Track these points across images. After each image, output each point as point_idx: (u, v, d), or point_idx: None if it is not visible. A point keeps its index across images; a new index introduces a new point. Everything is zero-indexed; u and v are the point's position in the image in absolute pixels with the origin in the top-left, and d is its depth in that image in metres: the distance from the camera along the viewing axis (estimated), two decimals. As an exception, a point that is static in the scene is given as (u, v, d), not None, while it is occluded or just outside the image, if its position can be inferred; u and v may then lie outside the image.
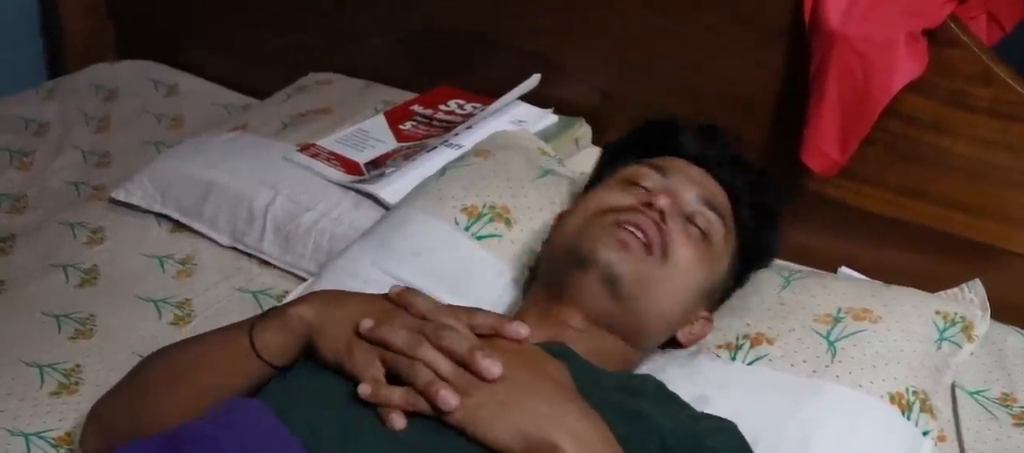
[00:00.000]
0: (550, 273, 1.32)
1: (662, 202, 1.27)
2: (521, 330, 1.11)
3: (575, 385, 1.08)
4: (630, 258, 1.24)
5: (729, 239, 1.35)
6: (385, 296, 1.16)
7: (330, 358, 1.10)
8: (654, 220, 1.26)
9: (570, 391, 1.06)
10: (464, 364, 1.03)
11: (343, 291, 1.25)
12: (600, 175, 1.48)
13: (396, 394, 1.03)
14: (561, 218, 1.42)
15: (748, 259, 1.42)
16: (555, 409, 1.01)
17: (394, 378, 1.05)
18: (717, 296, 1.39)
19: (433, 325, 1.08)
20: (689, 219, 1.31)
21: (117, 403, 1.21)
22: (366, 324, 1.09)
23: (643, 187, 1.33)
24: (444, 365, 1.04)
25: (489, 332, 1.10)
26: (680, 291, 1.29)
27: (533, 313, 1.29)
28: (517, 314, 1.33)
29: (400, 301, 1.14)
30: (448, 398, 1.00)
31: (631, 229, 1.25)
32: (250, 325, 1.16)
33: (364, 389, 1.04)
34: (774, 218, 1.45)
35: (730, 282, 1.40)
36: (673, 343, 1.37)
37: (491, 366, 1.02)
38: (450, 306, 1.16)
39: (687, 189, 1.33)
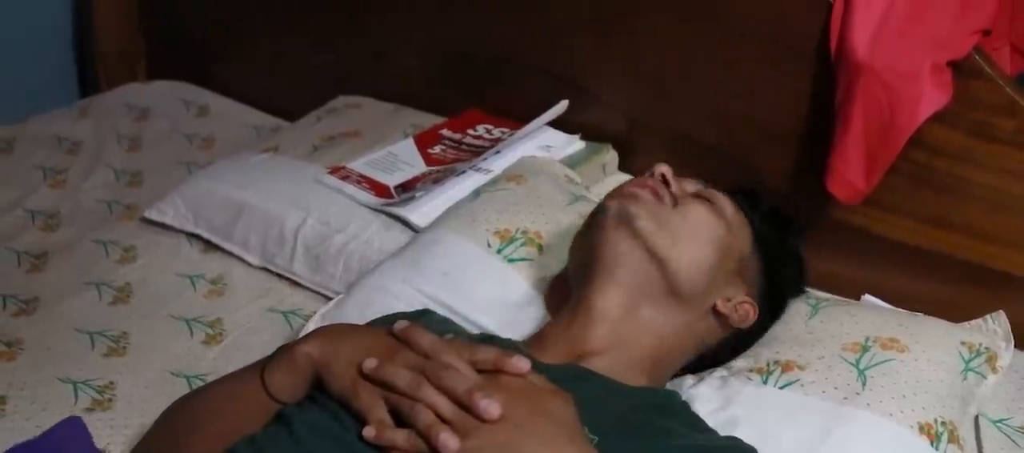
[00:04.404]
0: (576, 256, 1.39)
1: (662, 168, 1.36)
2: (523, 365, 1.10)
3: (582, 419, 1.07)
4: (641, 202, 1.32)
5: (741, 224, 1.37)
6: (389, 331, 1.17)
7: (337, 396, 1.11)
8: (658, 181, 1.36)
9: (571, 431, 1.05)
10: (463, 405, 1.04)
11: (347, 326, 1.27)
12: None
13: (400, 436, 1.04)
14: None
15: (773, 280, 1.41)
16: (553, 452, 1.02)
17: (400, 416, 1.06)
18: (753, 284, 1.37)
19: (434, 364, 1.08)
20: (693, 197, 1.37)
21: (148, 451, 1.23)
22: (369, 364, 1.09)
23: None
24: (445, 406, 1.04)
25: (491, 368, 1.10)
26: (699, 237, 1.32)
27: (556, 329, 1.31)
28: (540, 331, 1.35)
29: (403, 338, 1.15)
30: (448, 442, 1.00)
31: (637, 189, 1.34)
32: (261, 366, 1.19)
33: (368, 431, 1.05)
34: (788, 221, 1.47)
35: (762, 277, 1.38)
36: (714, 358, 1.39)
37: (489, 407, 1.02)
38: (453, 342, 1.15)
39: (688, 183, 1.40)
